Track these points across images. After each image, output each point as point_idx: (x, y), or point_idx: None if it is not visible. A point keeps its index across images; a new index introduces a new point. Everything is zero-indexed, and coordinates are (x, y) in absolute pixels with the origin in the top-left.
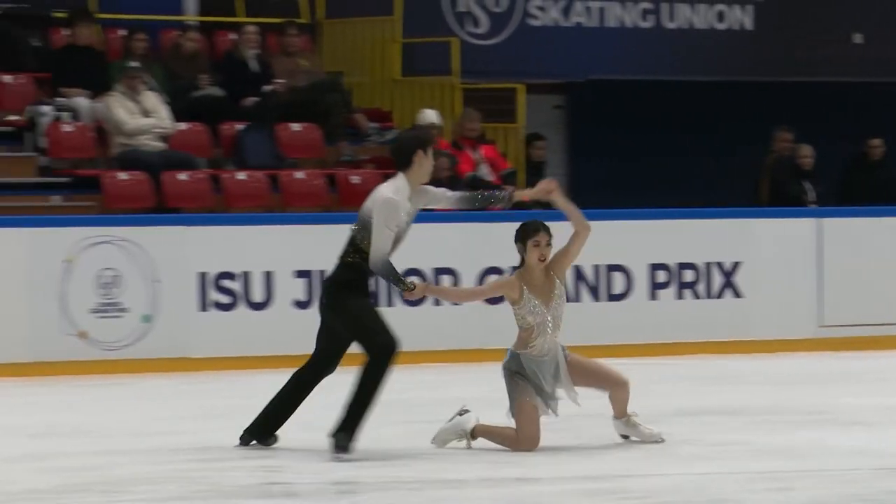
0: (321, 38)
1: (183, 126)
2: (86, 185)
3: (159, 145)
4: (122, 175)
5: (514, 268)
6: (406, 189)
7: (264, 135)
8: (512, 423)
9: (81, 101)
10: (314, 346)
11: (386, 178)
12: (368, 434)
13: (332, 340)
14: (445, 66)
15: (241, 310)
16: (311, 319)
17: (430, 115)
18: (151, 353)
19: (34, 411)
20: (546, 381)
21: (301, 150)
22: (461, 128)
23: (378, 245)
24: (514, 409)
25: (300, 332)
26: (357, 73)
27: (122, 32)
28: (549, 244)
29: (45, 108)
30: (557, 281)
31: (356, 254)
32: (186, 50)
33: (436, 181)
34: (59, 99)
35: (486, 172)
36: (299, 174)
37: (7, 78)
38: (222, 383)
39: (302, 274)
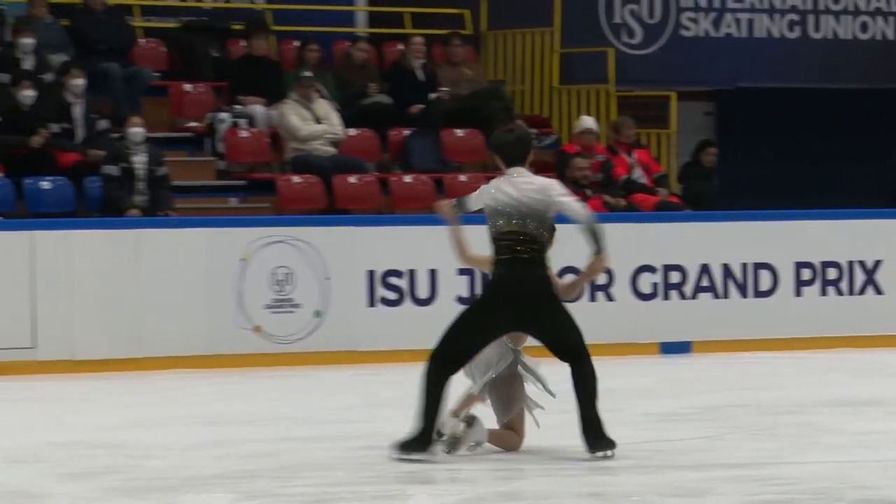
0: (484, 48)
1: (353, 132)
2: (261, 188)
3: (330, 150)
4: (296, 178)
5: None
6: None
7: (429, 140)
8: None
9: (257, 109)
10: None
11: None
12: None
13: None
14: (601, 75)
15: (407, 305)
16: None
17: (588, 122)
18: (322, 346)
19: (212, 401)
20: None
21: (464, 155)
22: (616, 133)
23: (581, 209)
24: (514, 413)
25: None
26: (517, 82)
27: (295, 43)
28: None
29: (224, 115)
30: None
31: (545, 263)
32: (357, 60)
33: (574, 181)
34: (236, 106)
35: (639, 175)
36: (462, 177)
37: (188, 87)
38: (389, 375)
39: (465, 272)
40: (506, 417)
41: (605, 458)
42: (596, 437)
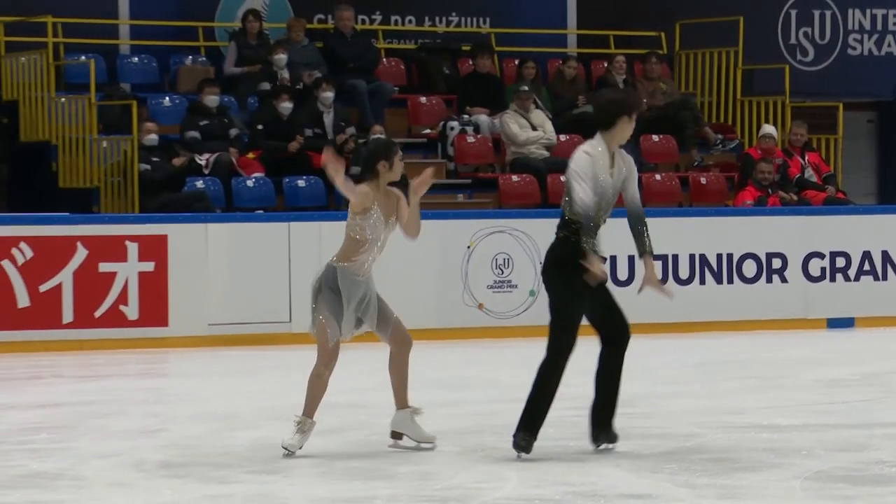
0: (677, 65)
1: (564, 137)
2: (485, 186)
3: (544, 153)
4: (515, 177)
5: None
6: (603, 147)
7: (629, 144)
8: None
9: (482, 118)
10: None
11: (728, 180)
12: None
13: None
14: (779, 88)
15: None
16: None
17: (768, 129)
18: (536, 321)
19: (441, 368)
20: (351, 304)
21: (659, 157)
22: (791, 137)
23: (576, 197)
24: (317, 324)
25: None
26: (706, 94)
27: (515, 62)
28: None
29: (453, 123)
30: (400, 209)
31: (565, 227)
32: (567, 76)
33: (757, 181)
34: (464, 116)
35: (810, 174)
36: (657, 176)
37: (423, 99)
38: (591, 346)
39: (657, 257)
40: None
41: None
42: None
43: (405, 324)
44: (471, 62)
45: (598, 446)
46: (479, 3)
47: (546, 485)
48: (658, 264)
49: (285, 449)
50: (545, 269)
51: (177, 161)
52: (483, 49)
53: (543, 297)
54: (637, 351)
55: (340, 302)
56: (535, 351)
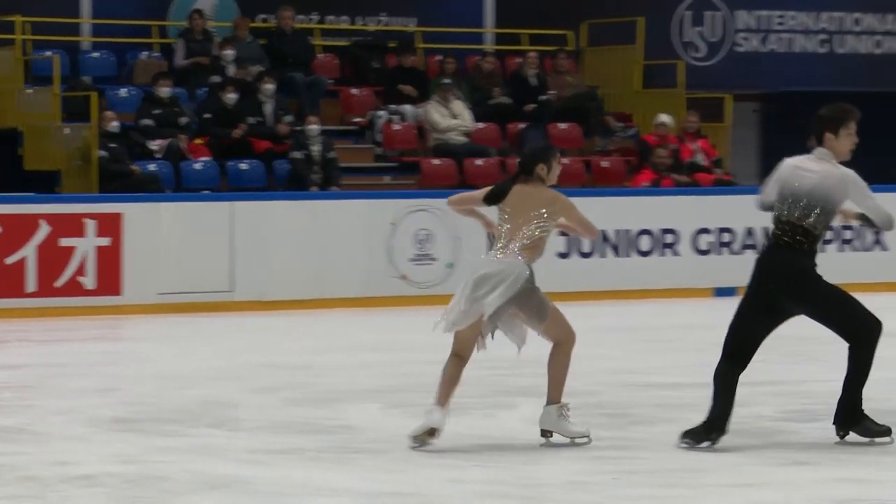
0: (583, 61)
1: (481, 125)
2: (409, 169)
3: (463, 139)
4: (436, 161)
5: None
6: (835, 160)
7: (540, 132)
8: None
9: (407, 108)
10: (731, 340)
11: (627, 164)
12: None
13: (761, 332)
14: (674, 81)
15: None
16: (570, 267)
17: (663, 118)
18: (453, 290)
19: (369, 332)
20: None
21: (566, 143)
22: (684, 125)
23: (881, 209)
24: (551, 317)
25: (562, 277)
26: (609, 87)
27: (438, 57)
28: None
29: (381, 113)
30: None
31: (812, 244)
32: (485, 70)
33: (654, 165)
34: (391, 106)
35: (701, 159)
36: (565, 160)
37: (354, 91)
38: None
39: (564, 233)
40: (542, 325)
41: (890, 441)
42: (853, 420)
43: (334, 292)
44: (398, 58)
45: (844, 436)
46: (407, 4)
47: (459, 437)
48: (564, 240)
49: (584, 438)
50: (798, 282)
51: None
52: (409, 46)
53: (459, 270)
54: None
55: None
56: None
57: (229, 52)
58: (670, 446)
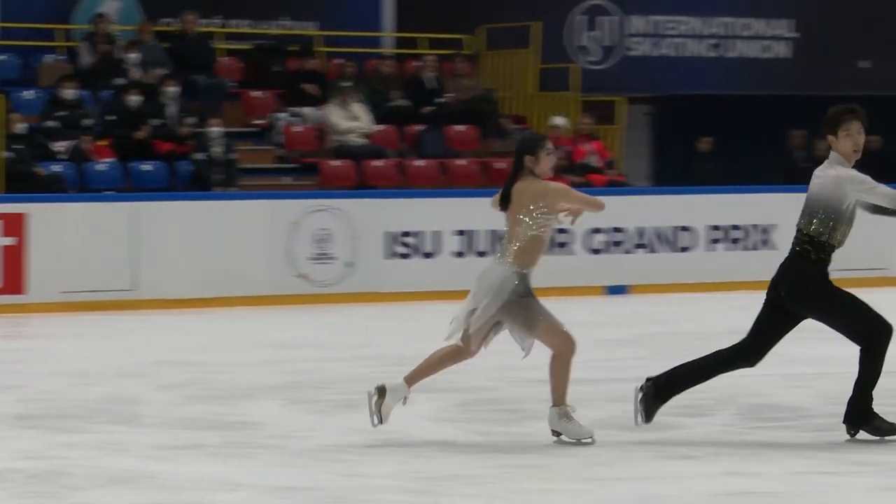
0: (480, 64)
1: (379, 127)
2: (309, 169)
3: (362, 141)
4: (335, 162)
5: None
6: (845, 162)
7: (437, 133)
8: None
9: (308, 110)
10: (750, 334)
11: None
12: None
13: (774, 333)
14: (568, 85)
15: (416, 259)
16: (469, 266)
17: (557, 120)
18: (352, 289)
19: (269, 330)
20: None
21: (463, 144)
22: (578, 127)
23: (884, 197)
24: (543, 325)
25: (459, 275)
26: (505, 90)
27: (338, 61)
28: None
29: (282, 115)
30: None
31: (818, 251)
32: (384, 73)
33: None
34: (292, 108)
35: (594, 160)
36: (461, 161)
37: (256, 93)
38: (402, 311)
39: (461, 233)
40: (532, 335)
41: (891, 438)
42: (864, 420)
43: (236, 291)
44: (299, 61)
45: (854, 435)
46: (308, 8)
47: (355, 433)
48: (461, 239)
49: (588, 438)
50: (800, 289)
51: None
52: (310, 50)
53: (359, 269)
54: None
55: (537, 302)
56: (351, 316)
57: (133, 56)
58: (562, 441)
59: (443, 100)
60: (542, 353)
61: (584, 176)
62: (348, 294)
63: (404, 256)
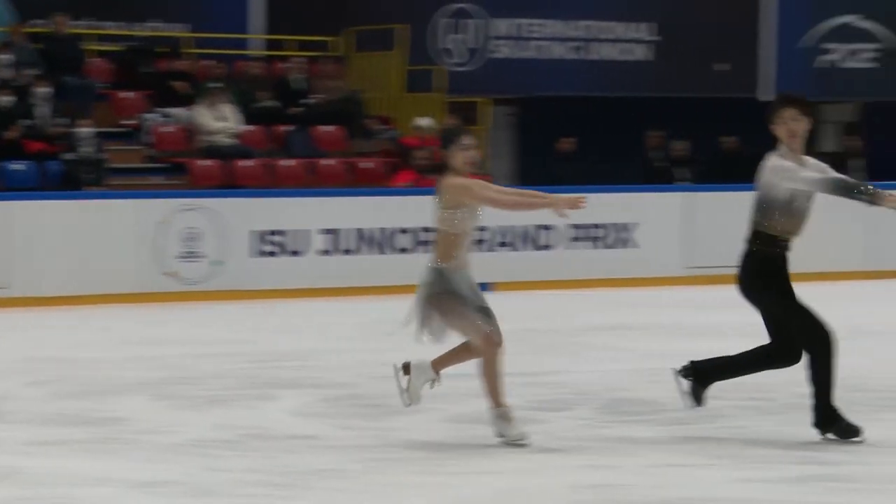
0: (348, 66)
1: (248, 128)
2: (178, 169)
3: (230, 141)
4: (204, 162)
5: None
6: (786, 153)
7: (304, 134)
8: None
9: (177, 111)
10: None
11: (388, 165)
12: None
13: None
14: (435, 86)
15: (283, 257)
16: (335, 264)
17: (423, 121)
18: (220, 287)
19: (138, 327)
20: (469, 298)
21: (330, 144)
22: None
23: (806, 183)
24: (459, 322)
25: (326, 273)
26: (371, 91)
27: (207, 62)
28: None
29: (151, 115)
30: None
31: (757, 241)
32: (252, 74)
33: (416, 166)
34: (161, 109)
35: None
36: (328, 161)
37: (127, 94)
38: (269, 308)
39: (328, 231)
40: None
41: (861, 440)
42: (830, 422)
43: (106, 288)
44: (168, 62)
45: (824, 435)
46: (179, 10)
47: (222, 428)
48: (327, 238)
49: (521, 440)
50: (746, 281)
51: None
52: (179, 51)
53: (227, 267)
54: (305, 311)
55: (462, 300)
56: (219, 313)
57: (5, 57)
58: (424, 435)
59: (310, 101)
60: (397, 351)
61: None
62: (216, 292)
63: (271, 255)
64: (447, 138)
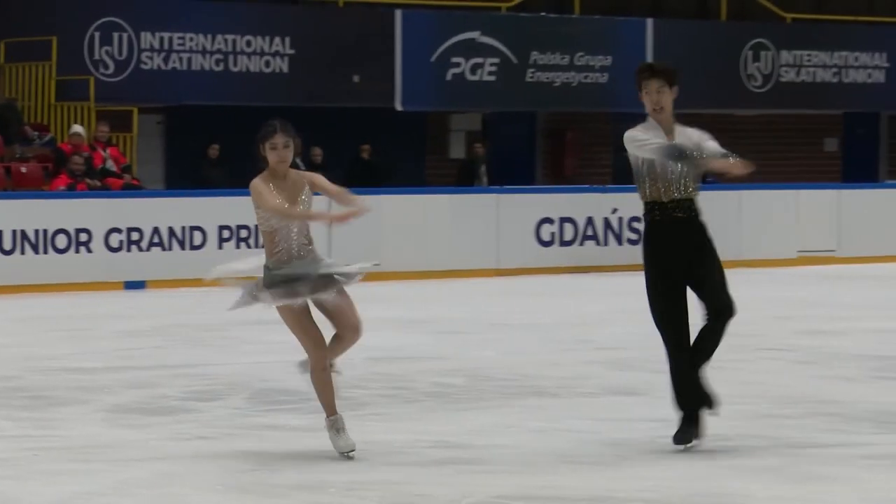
0: (3, 75)
1: None
2: None
3: None
4: None
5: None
6: (651, 124)
7: None
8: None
9: None
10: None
11: (44, 169)
12: None
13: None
14: (86, 95)
15: None
16: None
17: (77, 128)
18: None
19: None
20: (299, 266)
21: None
22: (96, 135)
23: (646, 154)
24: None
25: None
26: (27, 99)
27: None
28: (286, 146)
29: None
30: (307, 187)
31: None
32: None
33: (70, 171)
34: None
35: (112, 165)
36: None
37: None
38: None
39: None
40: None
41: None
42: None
43: None
44: None
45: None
46: None
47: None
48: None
49: (348, 453)
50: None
51: None
52: None
53: None
54: None
55: (287, 277)
56: None
57: None
58: (86, 424)
59: None
60: (57, 346)
61: (102, 180)
62: None
63: None
64: (258, 138)
